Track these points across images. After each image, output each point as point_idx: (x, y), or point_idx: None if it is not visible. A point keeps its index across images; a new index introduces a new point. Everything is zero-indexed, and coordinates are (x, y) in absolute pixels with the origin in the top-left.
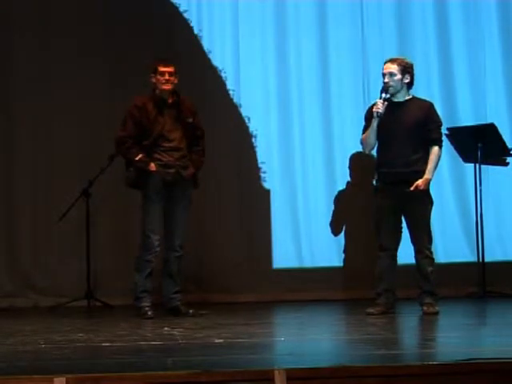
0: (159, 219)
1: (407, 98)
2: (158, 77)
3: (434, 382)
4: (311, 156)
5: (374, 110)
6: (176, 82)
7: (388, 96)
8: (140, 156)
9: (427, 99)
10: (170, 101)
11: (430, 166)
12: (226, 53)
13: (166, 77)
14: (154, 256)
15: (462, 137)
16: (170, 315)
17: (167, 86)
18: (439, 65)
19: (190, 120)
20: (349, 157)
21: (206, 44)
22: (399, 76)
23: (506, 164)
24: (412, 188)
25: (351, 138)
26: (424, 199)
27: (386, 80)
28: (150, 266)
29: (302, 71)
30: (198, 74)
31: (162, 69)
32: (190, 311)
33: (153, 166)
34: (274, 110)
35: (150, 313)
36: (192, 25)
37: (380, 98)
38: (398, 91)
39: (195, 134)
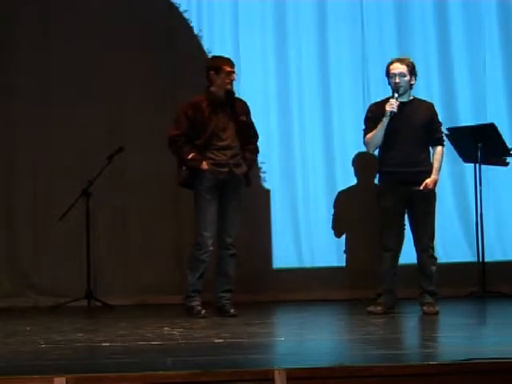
0: (212, 218)
1: (410, 98)
2: (223, 76)
3: (434, 382)
4: (311, 156)
5: (387, 108)
6: None
7: (398, 96)
8: (192, 155)
9: (427, 100)
10: (224, 99)
11: (437, 165)
12: (226, 53)
13: (233, 77)
14: (207, 255)
15: (462, 137)
16: (216, 315)
17: (230, 86)
18: (439, 65)
19: (244, 118)
20: (349, 157)
21: (205, 44)
22: (408, 77)
23: (506, 164)
24: (421, 187)
25: (351, 138)
26: (431, 199)
27: (398, 80)
28: (203, 265)
29: (301, 71)
30: (198, 73)
31: (228, 69)
32: (232, 310)
33: (205, 165)
34: (273, 110)
35: (203, 312)
36: (192, 25)
37: (393, 97)
38: (406, 91)
39: (249, 133)
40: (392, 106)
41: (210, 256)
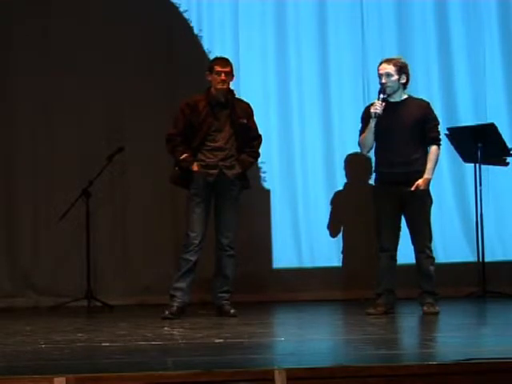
0: (199, 218)
1: (403, 97)
2: (214, 76)
3: (434, 382)
4: (311, 156)
5: (371, 110)
6: (231, 81)
7: (385, 96)
8: (185, 155)
9: (424, 98)
10: (223, 100)
11: (430, 165)
12: (226, 53)
13: (222, 77)
14: (192, 254)
15: (462, 137)
16: (216, 315)
17: (222, 86)
18: (439, 65)
19: (244, 121)
20: (348, 157)
21: (205, 44)
22: (396, 76)
23: (506, 164)
24: (413, 188)
25: (351, 138)
26: (424, 199)
27: (384, 81)
28: (188, 264)
29: (301, 71)
30: (198, 73)
31: (218, 69)
32: (232, 311)
33: (195, 167)
34: (273, 109)
35: (166, 312)
36: (192, 25)
37: (378, 99)
38: (395, 91)
39: (249, 136)
40: (375, 107)
41: (198, 255)
